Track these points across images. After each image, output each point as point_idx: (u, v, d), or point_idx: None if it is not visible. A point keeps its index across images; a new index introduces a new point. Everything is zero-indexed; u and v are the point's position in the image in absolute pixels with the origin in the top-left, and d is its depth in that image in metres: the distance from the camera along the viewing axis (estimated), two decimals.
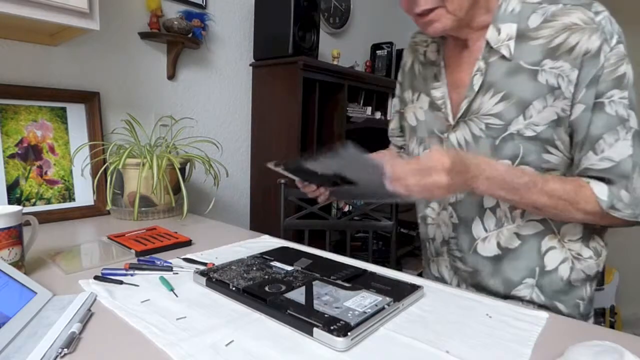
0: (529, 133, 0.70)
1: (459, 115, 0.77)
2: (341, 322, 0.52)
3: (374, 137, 1.65)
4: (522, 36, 0.70)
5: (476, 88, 0.74)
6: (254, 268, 0.72)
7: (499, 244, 0.78)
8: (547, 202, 0.67)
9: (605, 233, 0.79)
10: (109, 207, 1.14)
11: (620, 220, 0.67)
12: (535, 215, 0.75)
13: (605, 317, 1.93)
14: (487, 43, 0.72)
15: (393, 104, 1.05)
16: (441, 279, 0.89)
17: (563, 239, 0.76)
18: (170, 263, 0.77)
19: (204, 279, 0.67)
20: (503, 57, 0.71)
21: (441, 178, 0.60)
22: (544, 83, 0.68)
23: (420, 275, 0.96)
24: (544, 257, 0.76)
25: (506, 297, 0.79)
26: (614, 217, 0.67)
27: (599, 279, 0.83)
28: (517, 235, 0.77)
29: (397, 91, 1.00)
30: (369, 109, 2.14)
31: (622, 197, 0.66)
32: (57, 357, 0.46)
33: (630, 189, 0.66)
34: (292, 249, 0.86)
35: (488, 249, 0.79)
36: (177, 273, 0.73)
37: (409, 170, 0.61)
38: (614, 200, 0.66)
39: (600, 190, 0.66)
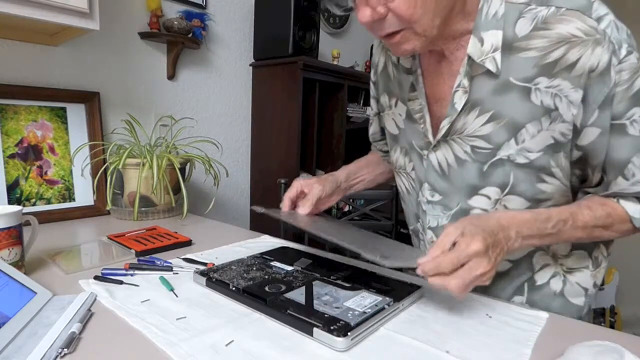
0: (522, 160, 0.62)
1: (440, 135, 0.68)
2: (341, 322, 0.52)
3: None
4: (509, 47, 0.59)
5: (459, 107, 0.63)
6: (254, 268, 0.72)
7: None
8: (582, 234, 0.61)
9: (612, 243, 0.75)
10: (109, 207, 1.14)
11: None
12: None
13: (605, 317, 1.93)
14: (469, 57, 0.61)
15: (370, 106, 0.94)
16: None
17: (555, 255, 0.72)
18: (170, 263, 0.77)
19: (204, 279, 0.67)
20: (489, 71, 0.60)
21: (482, 266, 0.51)
22: (538, 104, 0.59)
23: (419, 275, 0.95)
24: (535, 274, 0.72)
25: None
26: None
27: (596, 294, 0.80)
28: (507, 260, 0.72)
29: (372, 92, 0.90)
30: (369, 109, 2.13)
31: None
32: (57, 357, 0.46)
33: None
34: (292, 249, 0.86)
35: None
36: (177, 273, 0.73)
37: (445, 265, 0.51)
38: None
39: (634, 209, 0.62)
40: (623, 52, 0.54)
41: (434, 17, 0.56)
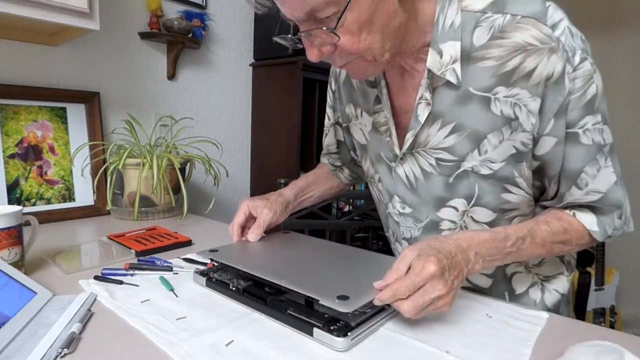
0: (485, 171, 0.62)
1: (405, 148, 0.67)
2: (341, 322, 0.52)
3: None
4: (467, 57, 0.58)
5: (422, 120, 0.62)
6: None
7: (467, 279, 0.74)
8: (541, 251, 0.61)
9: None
10: (109, 207, 1.14)
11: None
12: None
13: (605, 317, 1.93)
14: (429, 70, 0.60)
15: (326, 115, 0.90)
16: None
17: (528, 265, 0.72)
18: (170, 263, 0.77)
19: (204, 279, 0.67)
20: (449, 82, 0.59)
21: (437, 289, 0.49)
22: (498, 114, 0.58)
23: None
24: (511, 281, 0.73)
25: None
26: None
27: (569, 299, 0.80)
28: (485, 275, 0.73)
29: (330, 101, 0.87)
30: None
31: (615, 224, 0.62)
32: (57, 357, 0.46)
33: (623, 215, 0.62)
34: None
35: None
36: (177, 273, 0.73)
37: (402, 292, 0.50)
38: (606, 229, 0.61)
39: (590, 222, 0.61)
40: (577, 59, 0.54)
41: (383, 43, 0.55)
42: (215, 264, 0.71)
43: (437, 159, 0.65)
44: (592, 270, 1.93)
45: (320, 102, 1.82)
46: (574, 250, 0.64)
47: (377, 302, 0.51)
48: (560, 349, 0.48)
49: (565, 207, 0.64)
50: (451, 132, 0.62)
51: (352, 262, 0.68)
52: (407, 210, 0.73)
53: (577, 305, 1.96)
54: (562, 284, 0.75)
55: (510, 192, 0.64)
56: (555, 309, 0.74)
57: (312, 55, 0.57)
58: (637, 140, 2.13)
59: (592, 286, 1.92)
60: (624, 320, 2.09)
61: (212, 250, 0.70)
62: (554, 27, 0.54)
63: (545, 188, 0.65)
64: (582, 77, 0.55)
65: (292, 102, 1.66)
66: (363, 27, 0.52)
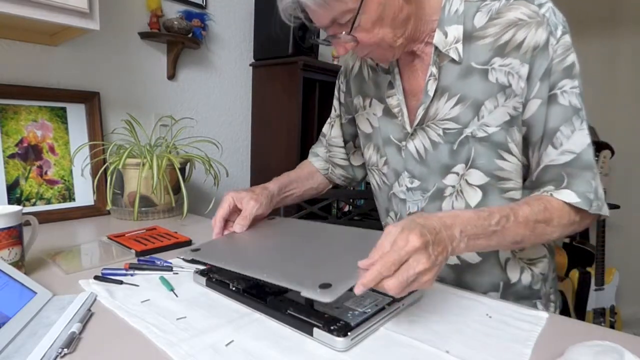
0: (481, 134, 0.68)
1: (416, 122, 0.74)
2: (341, 322, 0.52)
3: None
4: (469, 37, 0.67)
5: (431, 94, 0.70)
6: None
7: (458, 256, 0.76)
8: (525, 231, 0.61)
9: None
10: (109, 207, 1.15)
11: (591, 218, 0.65)
12: (516, 249, 0.72)
13: (605, 317, 1.93)
14: (436, 48, 0.68)
15: (333, 106, 0.97)
16: None
17: (513, 251, 0.75)
18: (170, 263, 0.77)
19: (204, 279, 0.67)
20: (453, 60, 0.68)
21: (421, 263, 0.48)
22: (494, 82, 0.66)
23: None
24: (507, 270, 0.75)
25: None
26: (592, 216, 0.64)
27: (553, 277, 0.83)
28: (477, 253, 0.75)
29: (338, 94, 0.94)
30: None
31: (592, 187, 0.63)
32: (57, 357, 0.46)
33: (595, 181, 0.63)
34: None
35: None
36: (177, 273, 0.73)
37: (387, 270, 0.48)
38: (587, 195, 0.62)
39: (568, 195, 0.62)
40: (559, 32, 0.64)
41: (394, 33, 0.66)
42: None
43: (444, 129, 0.72)
44: (592, 270, 1.93)
45: (320, 102, 1.82)
46: (558, 233, 0.64)
47: (358, 291, 0.48)
48: (560, 349, 0.48)
49: (541, 180, 0.67)
50: (457, 103, 0.70)
51: (340, 242, 0.67)
52: (415, 184, 0.78)
53: (577, 305, 1.96)
54: (544, 267, 0.78)
55: (503, 159, 0.69)
56: (537, 288, 0.78)
57: (341, 51, 0.69)
58: (638, 140, 2.13)
59: (592, 286, 1.92)
60: (624, 320, 2.09)
61: (194, 250, 0.68)
62: (540, 6, 0.64)
63: (530, 162, 0.69)
64: (562, 46, 0.64)
65: (292, 102, 1.66)
66: (375, 24, 0.64)
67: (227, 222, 0.78)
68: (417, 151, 0.76)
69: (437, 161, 0.73)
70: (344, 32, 0.65)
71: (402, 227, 0.50)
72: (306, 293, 0.48)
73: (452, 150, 0.71)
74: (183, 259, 0.66)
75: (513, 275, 0.76)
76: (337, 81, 0.96)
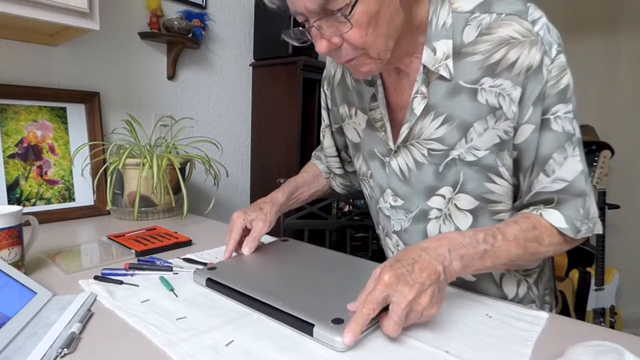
0: (470, 158, 0.65)
1: (399, 140, 0.69)
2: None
3: None
4: (458, 53, 0.62)
5: (417, 112, 0.66)
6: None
7: None
8: (517, 250, 0.60)
9: None
10: (109, 207, 1.14)
11: (581, 239, 0.64)
12: (513, 269, 0.71)
13: (605, 317, 1.93)
14: (425, 66, 0.63)
15: (322, 118, 0.94)
16: None
17: None
18: (170, 263, 0.77)
19: (204, 279, 0.67)
20: (442, 77, 0.63)
21: (404, 296, 0.49)
22: (483, 103, 0.62)
23: None
24: (502, 286, 0.74)
25: None
26: (581, 239, 0.63)
27: (548, 277, 0.82)
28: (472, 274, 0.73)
29: (325, 103, 0.90)
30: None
31: (581, 215, 0.62)
32: (57, 357, 0.46)
33: (586, 206, 0.62)
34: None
35: None
36: (177, 273, 0.73)
37: (367, 312, 0.50)
38: (574, 223, 0.62)
39: (557, 219, 0.62)
40: (554, 52, 0.59)
41: (387, 41, 0.58)
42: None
43: (429, 150, 0.68)
44: (592, 270, 1.93)
45: (320, 102, 1.82)
46: (551, 252, 0.63)
47: (348, 341, 0.48)
48: (560, 349, 0.48)
49: (532, 202, 0.65)
50: (442, 123, 0.65)
51: (350, 273, 0.69)
52: (399, 202, 0.75)
53: (577, 305, 1.96)
54: (538, 274, 0.77)
55: (493, 181, 0.66)
56: (527, 291, 0.76)
57: (322, 47, 0.59)
58: (638, 140, 2.13)
59: (592, 286, 1.92)
60: (624, 320, 2.09)
61: (210, 269, 0.69)
62: (534, 22, 0.58)
63: (520, 184, 0.67)
64: (557, 67, 0.59)
65: (292, 102, 1.66)
66: (371, 20, 0.55)
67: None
68: (401, 170, 0.72)
69: (421, 182, 0.70)
70: (338, 14, 0.54)
71: (382, 266, 0.53)
72: (321, 329, 0.51)
73: (437, 172, 0.68)
74: (195, 272, 0.67)
75: (510, 291, 0.74)
76: (321, 89, 0.91)
